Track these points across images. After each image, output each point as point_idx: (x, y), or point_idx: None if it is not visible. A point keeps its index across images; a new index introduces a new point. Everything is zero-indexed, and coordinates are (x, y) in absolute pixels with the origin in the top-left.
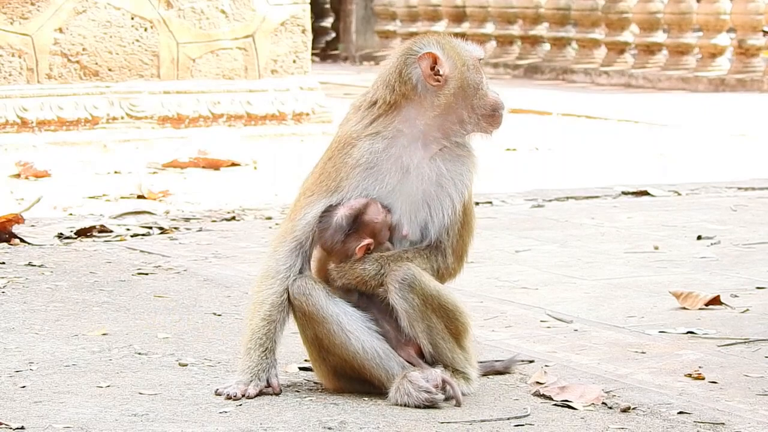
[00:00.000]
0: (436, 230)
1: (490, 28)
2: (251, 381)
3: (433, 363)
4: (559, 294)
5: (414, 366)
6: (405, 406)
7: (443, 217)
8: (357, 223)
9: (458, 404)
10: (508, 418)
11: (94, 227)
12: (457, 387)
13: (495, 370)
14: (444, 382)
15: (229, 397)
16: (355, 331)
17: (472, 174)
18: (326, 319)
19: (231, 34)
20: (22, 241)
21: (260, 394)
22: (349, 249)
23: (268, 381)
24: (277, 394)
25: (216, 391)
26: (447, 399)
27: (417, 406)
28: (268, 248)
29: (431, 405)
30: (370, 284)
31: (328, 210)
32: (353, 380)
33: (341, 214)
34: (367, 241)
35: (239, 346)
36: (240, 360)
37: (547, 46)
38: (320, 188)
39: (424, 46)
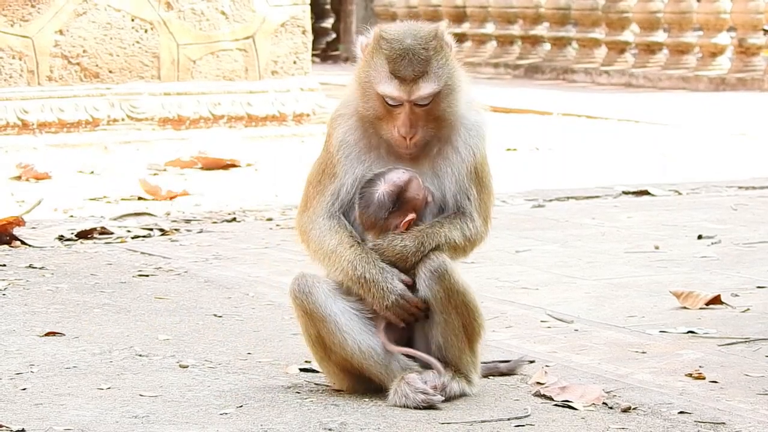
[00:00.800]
0: (452, 197)
1: (490, 28)
2: (391, 297)
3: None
4: (559, 294)
5: (415, 362)
6: (404, 407)
7: (454, 184)
8: (400, 200)
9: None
10: (509, 419)
11: (94, 229)
12: (448, 387)
13: (499, 372)
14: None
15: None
16: (352, 331)
17: (475, 140)
18: (325, 318)
19: (231, 36)
20: (22, 243)
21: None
22: (391, 224)
23: (402, 282)
24: (412, 284)
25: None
26: (448, 400)
27: (416, 408)
28: (299, 233)
29: (429, 406)
30: (411, 261)
31: (368, 186)
32: (360, 378)
33: (383, 191)
34: (411, 216)
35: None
36: (364, 290)
37: (547, 46)
38: (325, 176)
39: (370, 35)
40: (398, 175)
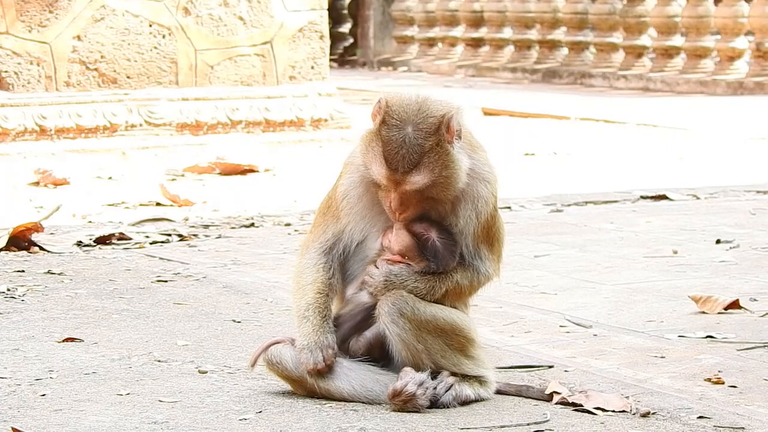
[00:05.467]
0: (463, 254)
1: (507, 32)
2: (315, 345)
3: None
4: (578, 299)
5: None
6: (413, 411)
7: (463, 247)
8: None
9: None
10: (528, 424)
11: (113, 235)
12: (462, 393)
13: (528, 395)
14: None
15: (312, 364)
16: (333, 380)
17: (480, 206)
18: (302, 378)
19: (249, 41)
20: (41, 249)
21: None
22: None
23: (329, 345)
24: (330, 364)
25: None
26: (465, 404)
27: (418, 403)
28: (299, 251)
29: (434, 403)
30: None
31: None
32: None
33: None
34: (400, 259)
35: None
36: (298, 329)
37: (565, 51)
38: (329, 213)
39: (380, 106)
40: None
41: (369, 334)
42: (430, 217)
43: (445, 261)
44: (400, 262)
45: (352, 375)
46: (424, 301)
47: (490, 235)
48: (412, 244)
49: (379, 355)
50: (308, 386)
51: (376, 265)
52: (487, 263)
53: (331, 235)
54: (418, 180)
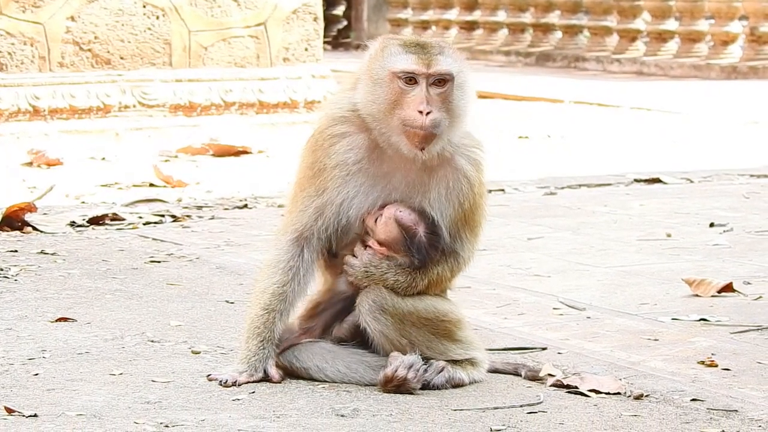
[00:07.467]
0: (445, 236)
1: (501, 15)
2: (245, 371)
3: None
4: (571, 281)
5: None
6: (408, 393)
7: (446, 229)
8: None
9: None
10: (521, 406)
11: (106, 215)
12: (455, 376)
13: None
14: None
15: (221, 384)
16: (313, 356)
17: (471, 177)
18: (287, 366)
19: (243, 22)
20: (34, 229)
21: (257, 381)
22: (366, 242)
23: (265, 371)
24: (277, 382)
25: (208, 376)
26: (456, 386)
27: (409, 391)
28: (276, 233)
29: (426, 385)
30: (400, 294)
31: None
32: None
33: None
34: (384, 251)
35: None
36: (240, 349)
37: (558, 34)
38: (310, 185)
39: (374, 43)
40: (403, 214)
41: (351, 318)
42: (420, 208)
43: (429, 257)
44: (380, 252)
45: (334, 357)
46: (404, 294)
47: (474, 220)
48: (398, 236)
49: (363, 339)
50: (282, 365)
51: (354, 254)
52: (467, 248)
53: (313, 210)
54: (444, 63)
